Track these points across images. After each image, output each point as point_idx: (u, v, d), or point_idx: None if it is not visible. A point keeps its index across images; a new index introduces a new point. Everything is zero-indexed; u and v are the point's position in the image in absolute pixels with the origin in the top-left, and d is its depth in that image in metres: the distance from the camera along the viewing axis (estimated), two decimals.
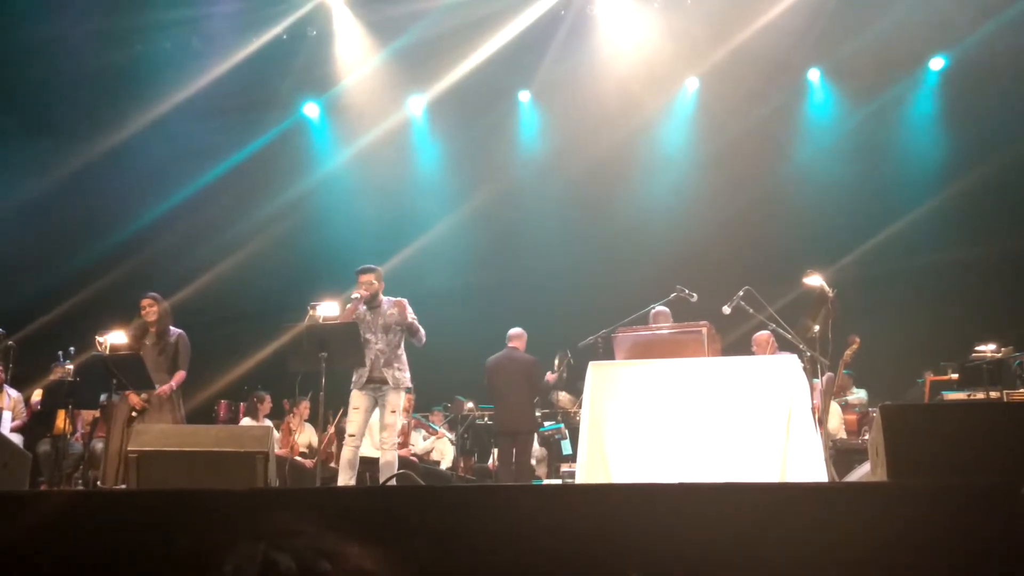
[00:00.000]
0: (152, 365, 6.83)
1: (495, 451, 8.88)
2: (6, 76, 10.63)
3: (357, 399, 6.64)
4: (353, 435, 6.58)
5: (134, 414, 6.71)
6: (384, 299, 6.77)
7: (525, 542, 2.59)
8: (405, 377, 6.74)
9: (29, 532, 2.79)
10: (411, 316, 6.75)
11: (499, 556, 2.56)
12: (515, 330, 8.65)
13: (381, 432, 6.67)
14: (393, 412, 6.63)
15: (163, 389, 6.83)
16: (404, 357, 6.78)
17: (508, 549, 2.57)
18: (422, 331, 6.76)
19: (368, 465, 7.46)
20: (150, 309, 7.07)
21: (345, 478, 6.48)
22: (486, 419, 9.91)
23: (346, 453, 6.56)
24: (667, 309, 7.29)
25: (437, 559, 2.42)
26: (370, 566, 0.94)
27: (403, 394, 6.80)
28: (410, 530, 2.53)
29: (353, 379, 6.66)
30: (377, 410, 6.71)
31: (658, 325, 6.86)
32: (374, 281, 6.68)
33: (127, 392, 6.68)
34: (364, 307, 6.69)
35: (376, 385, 6.64)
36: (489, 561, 2.55)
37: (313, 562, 0.92)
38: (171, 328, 7.14)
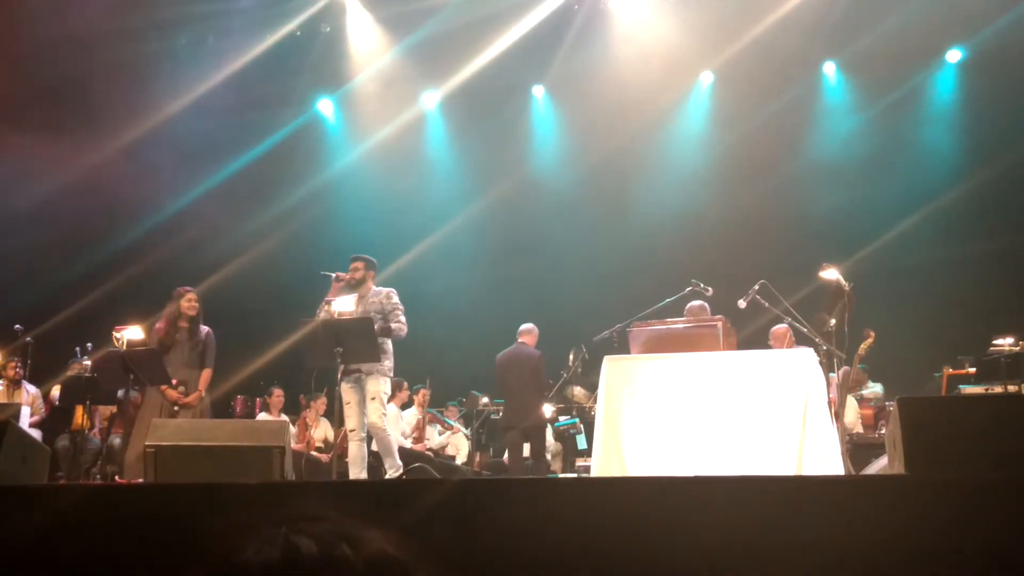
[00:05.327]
0: (185, 360, 6.86)
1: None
2: (25, 73, 10.69)
3: (347, 394, 6.52)
4: (354, 429, 6.56)
5: (176, 408, 6.72)
6: (373, 289, 6.74)
7: (542, 534, 2.60)
8: (384, 366, 6.54)
9: (49, 525, 2.82)
10: (394, 303, 6.64)
11: (516, 547, 2.57)
12: (525, 326, 8.67)
13: (369, 418, 6.46)
14: (373, 399, 6.44)
15: (194, 396, 6.82)
16: (386, 345, 6.56)
17: (525, 541, 2.58)
18: (394, 325, 6.57)
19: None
20: (194, 303, 7.04)
21: (355, 472, 6.46)
22: (501, 414, 9.92)
23: (352, 448, 6.53)
24: (706, 304, 7.23)
25: (458, 548, 2.43)
26: (392, 551, 0.94)
27: (384, 380, 6.57)
28: (429, 519, 2.54)
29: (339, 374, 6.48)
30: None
31: (676, 319, 6.83)
32: (360, 267, 6.70)
33: (164, 387, 6.67)
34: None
35: (357, 375, 6.49)
36: (507, 552, 2.55)
37: (334, 546, 0.92)
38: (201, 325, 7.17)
